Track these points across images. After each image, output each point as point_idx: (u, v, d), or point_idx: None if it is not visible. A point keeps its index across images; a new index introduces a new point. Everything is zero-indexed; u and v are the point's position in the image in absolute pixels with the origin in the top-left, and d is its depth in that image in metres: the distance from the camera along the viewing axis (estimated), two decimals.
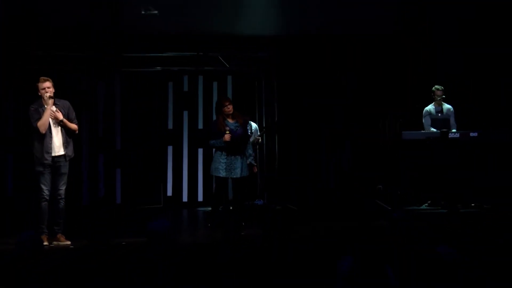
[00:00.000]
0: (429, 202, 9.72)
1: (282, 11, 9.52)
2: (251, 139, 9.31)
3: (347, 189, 10.59)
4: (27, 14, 9.43)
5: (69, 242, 6.96)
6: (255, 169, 8.41)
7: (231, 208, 8.28)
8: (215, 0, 9.35)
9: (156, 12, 9.35)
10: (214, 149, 8.18)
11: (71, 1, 9.27)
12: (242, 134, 7.83)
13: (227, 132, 7.62)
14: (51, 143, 6.92)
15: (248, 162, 8.20)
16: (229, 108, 7.78)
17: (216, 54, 10.61)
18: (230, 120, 7.79)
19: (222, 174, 7.83)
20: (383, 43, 10.78)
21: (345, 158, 10.79)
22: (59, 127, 6.97)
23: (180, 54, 10.60)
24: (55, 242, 6.92)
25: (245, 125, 8.00)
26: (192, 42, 10.32)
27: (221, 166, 7.82)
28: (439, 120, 9.63)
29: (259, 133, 9.76)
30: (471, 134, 9.27)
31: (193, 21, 9.82)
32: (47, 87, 6.86)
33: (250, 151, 8.31)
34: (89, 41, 10.15)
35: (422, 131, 9.67)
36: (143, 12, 9.39)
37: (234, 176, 7.84)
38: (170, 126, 11.19)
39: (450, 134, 9.28)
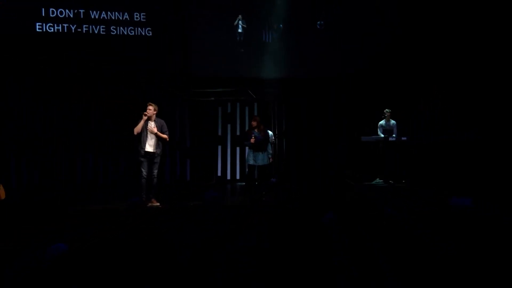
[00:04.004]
0: (378, 179, 9.67)
1: (285, 63, 9.61)
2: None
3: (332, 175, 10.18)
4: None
5: (158, 204, 7.09)
6: (271, 160, 8.46)
7: (256, 183, 8.39)
8: (247, 59, 9.66)
9: (243, 50, 9.58)
10: (247, 147, 8.36)
11: (166, 61, 9.42)
12: (262, 140, 8.15)
13: (253, 137, 8.10)
14: (145, 143, 6.96)
15: (268, 156, 8.29)
16: (253, 124, 8.22)
17: (247, 89, 10.62)
18: (256, 130, 8.16)
19: (251, 162, 8.18)
20: (352, 80, 10.07)
21: (330, 151, 10.32)
22: (154, 135, 7.03)
23: (226, 89, 10.62)
24: (150, 204, 7.04)
25: (266, 135, 8.27)
26: (233, 82, 10.24)
27: (250, 157, 8.18)
28: (387, 130, 9.59)
29: (273, 138, 10.07)
30: (403, 138, 9.28)
31: (234, 69, 9.79)
32: (148, 109, 6.98)
33: (269, 150, 8.34)
34: (170, 81, 10.06)
35: (373, 136, 9.60)
36: (242, 51, 9.51)
37: (258, 164, 8.15)
38: (220, 133, 11.19)
39: (390, 138, 9.34)
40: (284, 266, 3.47)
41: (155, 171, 7.13)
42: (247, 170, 9.58)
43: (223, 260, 3.48)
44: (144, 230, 4.51)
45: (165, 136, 7.17)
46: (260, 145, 8.14)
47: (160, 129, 7.13)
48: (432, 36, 8.95)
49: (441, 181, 8.32)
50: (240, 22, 9.64)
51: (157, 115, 7.20)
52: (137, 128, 6.97)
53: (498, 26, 8.02)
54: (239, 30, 9.65)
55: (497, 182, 7.20)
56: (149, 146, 7.04)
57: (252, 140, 8.06)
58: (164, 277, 3.20)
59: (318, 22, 9.62)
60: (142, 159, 7.03)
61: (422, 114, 9.80)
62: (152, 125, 7.08)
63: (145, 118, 6.96)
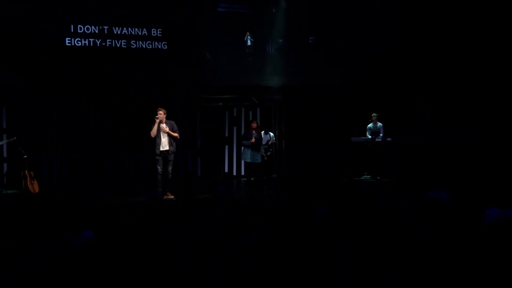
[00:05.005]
0: (365, 174, 9.35)
1: (284, 74, 9.14)
2: (270, 143, 9.31)
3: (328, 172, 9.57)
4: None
5: (173, 197, 6.95)
6: (265, 158, 8.27)
7: (259, 179, 8.12)
8: (251, 69, 9.29)
9: (251, 59, 9.28)
10: (242, 147, 8.06)
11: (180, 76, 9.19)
12: (259, 140, 7.94)
13: (253, 137, 7.83)
14: (160, 143, 6.84)
15: (261, 154, 8.08)
16: (253, 125, 7.97)
17: (251, 96, 10.34)
18: (254, 132, 7.92)
19: (248, 160, 7.93)
20: (352, 80, 9.17)
21: (330, 151, 9.65)
22: (166, 135, 6.90)
23: (232, 96, 10.34)
24: (165, 197, 6.90)
25: (261, 136, 8.05)
26: (238, 89, 9.91)
27: (248, 155, 7.91)
28: (374, 131, 9.26)
29: (274, 138, 9.74)
30: (388, 139, 8.96)
31: (239, 78, 9.37)
32: (159, 113, 6.86)
33: (262, 150, 8.10)
34: (183, 90, 9.81)
35: (362, 137, 9.26)
36: (250, 59, 9.16)
37: (255, 162, 7.90)
38: (226, 134, 10.97)
39: (376, 138, 9.06)
40: (284, 266, 3.07)
41: (170, 168, 7.05)
42: (245, 167, 9.22)
43: (223, 260, 3.11)
44: (144, 230, 4.01)
45: (176, 134, 7.09)
46: (258, 146, 7.99)
47: (171, 129, 7.08)
48: (432, 36, 8.01)
49: (441, 181, 7.62)
50: (248, 37, 9.53)
51: (171, 118, 7.17)
52: (153, 131, 6.94)
53: (498, 26, 7.03)
54: (248, 44, 9.52)
55: (497, 182, 6.57)
56: (163, 145, 6.97)
57: (253, 140, 7.88)
58: (164, 277, 2.85)
59: (310, 38, 9.30)
60: (157, 157, 6.98)
61: (422, 114, 8.81)
62: (163, 126, 7.05)
63: (157, 121, 6.91)
